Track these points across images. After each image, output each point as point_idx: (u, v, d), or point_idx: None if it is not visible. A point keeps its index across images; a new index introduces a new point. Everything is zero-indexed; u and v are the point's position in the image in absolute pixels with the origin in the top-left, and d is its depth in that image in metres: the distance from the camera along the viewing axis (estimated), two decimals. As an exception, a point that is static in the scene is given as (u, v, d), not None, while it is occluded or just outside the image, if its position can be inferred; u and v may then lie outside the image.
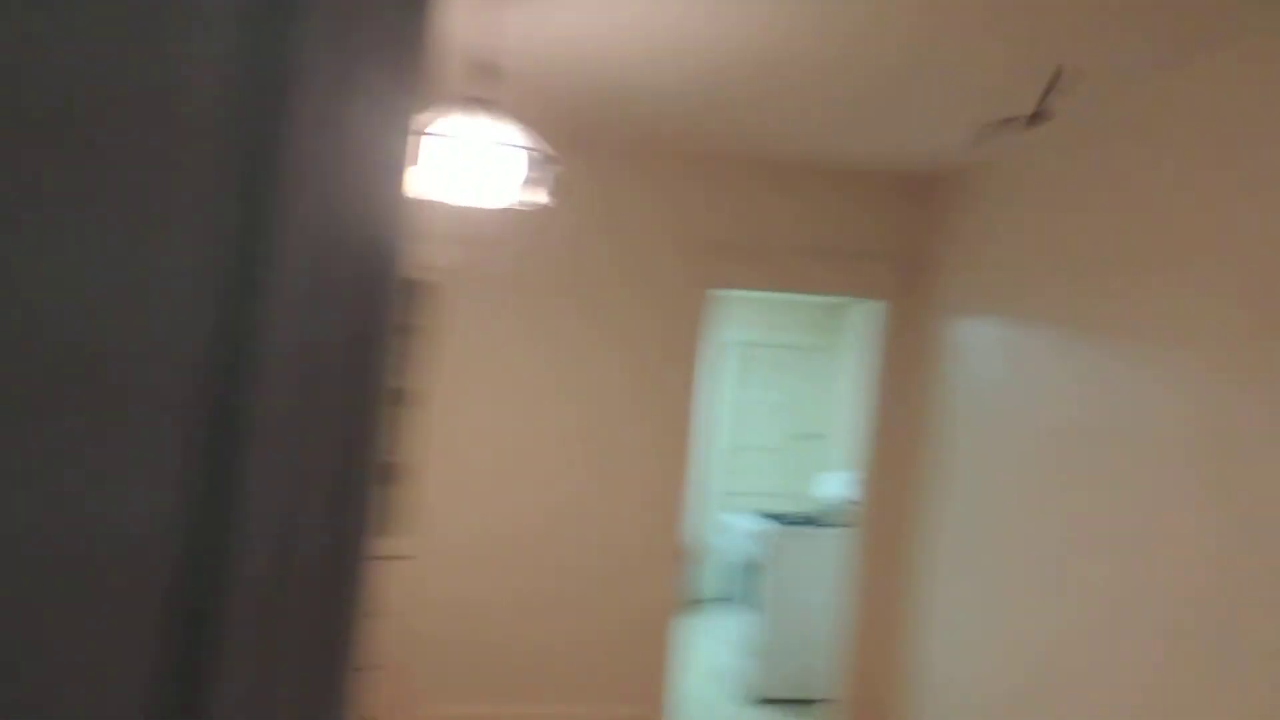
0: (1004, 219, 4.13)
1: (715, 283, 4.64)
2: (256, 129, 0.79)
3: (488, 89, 2.78)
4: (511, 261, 4.49)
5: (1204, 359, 2.89)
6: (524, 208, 2.60)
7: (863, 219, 4.76)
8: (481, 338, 4.48)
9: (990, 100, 3.47)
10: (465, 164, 2.60)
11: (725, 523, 7.09)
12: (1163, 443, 3.02)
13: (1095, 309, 3.45)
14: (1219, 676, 2.69)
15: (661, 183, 4.61)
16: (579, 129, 4.29)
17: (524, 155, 2.55)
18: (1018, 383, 3.89)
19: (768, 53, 3.18)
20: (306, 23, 0.79)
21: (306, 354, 0.78)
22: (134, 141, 0.68)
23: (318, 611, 0.79)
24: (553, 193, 2.58)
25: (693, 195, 4.63)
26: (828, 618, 5.21)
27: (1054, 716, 3.46)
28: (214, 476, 0.71)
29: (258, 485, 0.73)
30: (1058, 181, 3.75)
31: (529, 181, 2.58)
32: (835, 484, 6.26)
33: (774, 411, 7.54)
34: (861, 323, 6.93)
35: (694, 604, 6.98)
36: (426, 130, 2.55)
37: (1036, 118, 3.43)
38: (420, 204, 2.69)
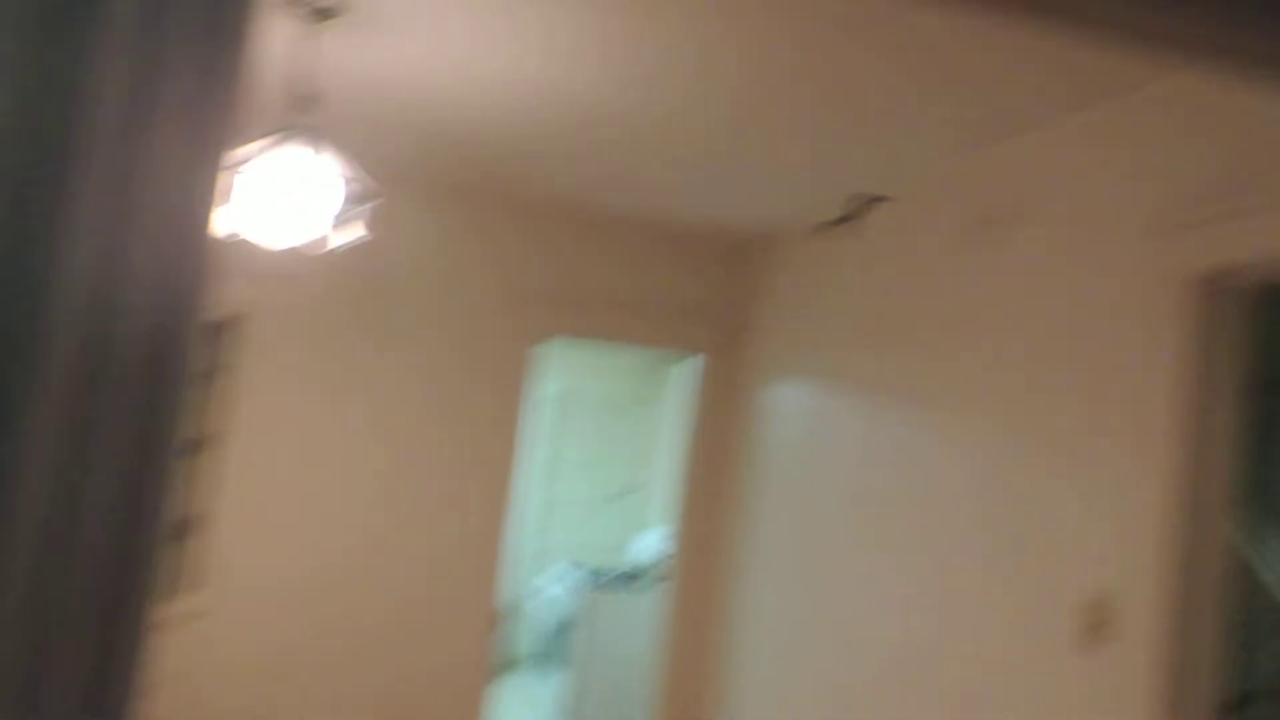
0: (816, 286, 4.28)
1: (539, 333, 4.60)
2: (38, 149, 0.75)
3: (306, 118, 2.68)
4: (323, 300, 4.32)
5: (987, 423, 3.05)
6: (340, 241, 2.49)
7: (686, 277, 4.83)
8: (288, 380, 4.27)
9: (814, 170, 3.60)
10: (279, 193, 2.47)
11: (540, 580, 6.98)
12: (953, 503, 3.15)
13: (894, 376, 3.59)
14: (1011, 726, 2.79)
15: (487, 227, 4.55)
16: (404, 167, 4.20)
17: (342, 186, 2.45)
18: (824, 444, 4.00)
19: (600, 106, 3.20)
20: (103, 41, 0.76)
21: (86, 398, 0.73)
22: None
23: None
24: (371, 227, 2.49)
25: (519, 242, 4.59)
26: (641, 675, 5.17)
27: (858, 770, 3.51)
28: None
29: (25, 533, 0.67)
30: (864, 253, 3.92)
31: (346, 214, 2.48)
32: (653, 540, 6.27)
33: (591, 466, 7.49)
34: (679, 379, 7.03)
35: (508, 664, 6.81)
36: (241, 159, 2.42)
37: (848, 220, 3.82)
38: (228, 236, 2.54)
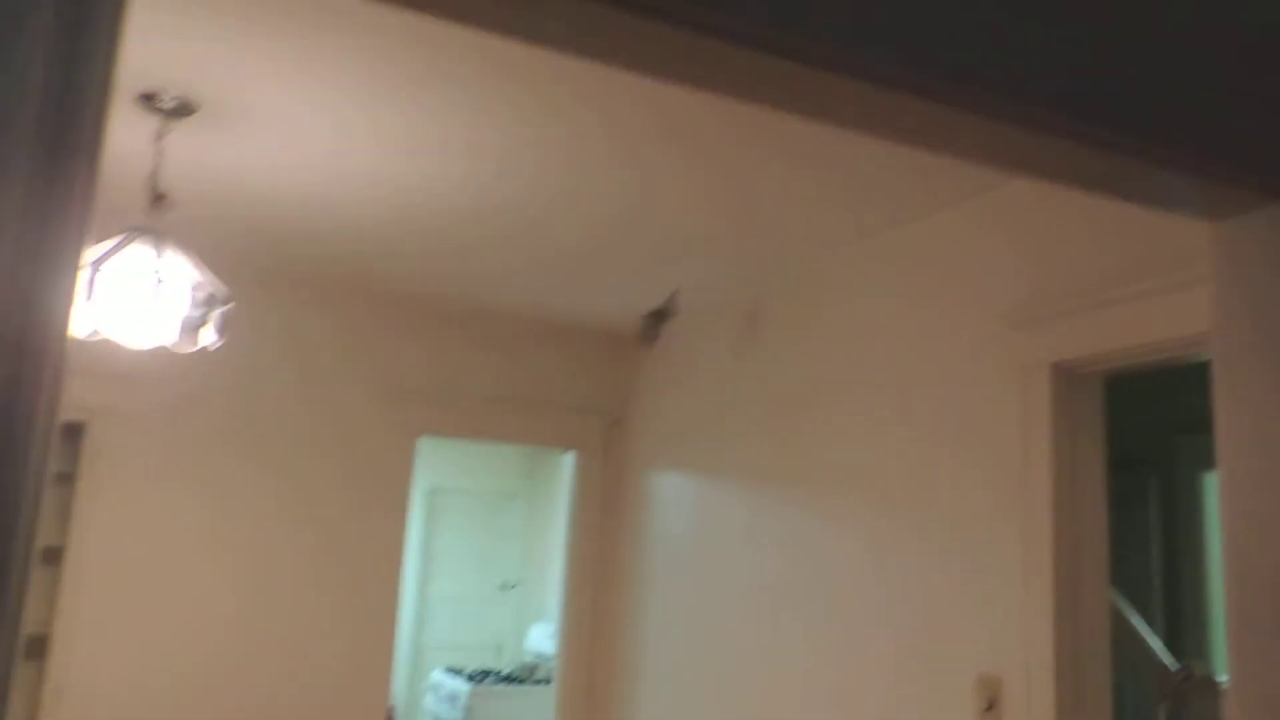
0: (694, 376, 4.29)
1: (414, 430, 4.48)
2: None
3: (158, 218, 2.57)
4: (181, 404, 4.12)
5: (870, 506, 3.07)
6: (189, 348, 2.37)
7: (563, 371, 4.80)
8: (142, 487, 4.04)
9: (689, 259, 3.62)
10: (126, 297, 2.35)
11: (418, 682, 6.71)
12: (845, 587, 3.15)
13: (774, 460, 3.60)
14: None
15: (356, 325, 4.44)
16: (266, 265, 4.07)
17: (190, 291, 2.35)
18: (711, 532, 3.97)
19: (469, 205, 3.17)
20: None
21: None
22: None
23: None
24: (221, 333, 2.38)
25: (390, 339, 4.49)
26: (527, 782, 4.98)
27: None
28: None
29: None
30: (733, 343, 3.95)
31: (196, 320, 2.37)
32: (538, 637, 6.11)
33: (466, 562, 7.28)
34: (561, 472, 6.94)
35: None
36: (88, 259, 2.29)
37: (658, 320, 4.05)
38: (77, 336, 2.40)
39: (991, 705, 2.50)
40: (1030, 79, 1.18)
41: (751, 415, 3.81)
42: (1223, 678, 3.81)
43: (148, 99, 2.50)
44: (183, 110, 2.55)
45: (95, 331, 2.43)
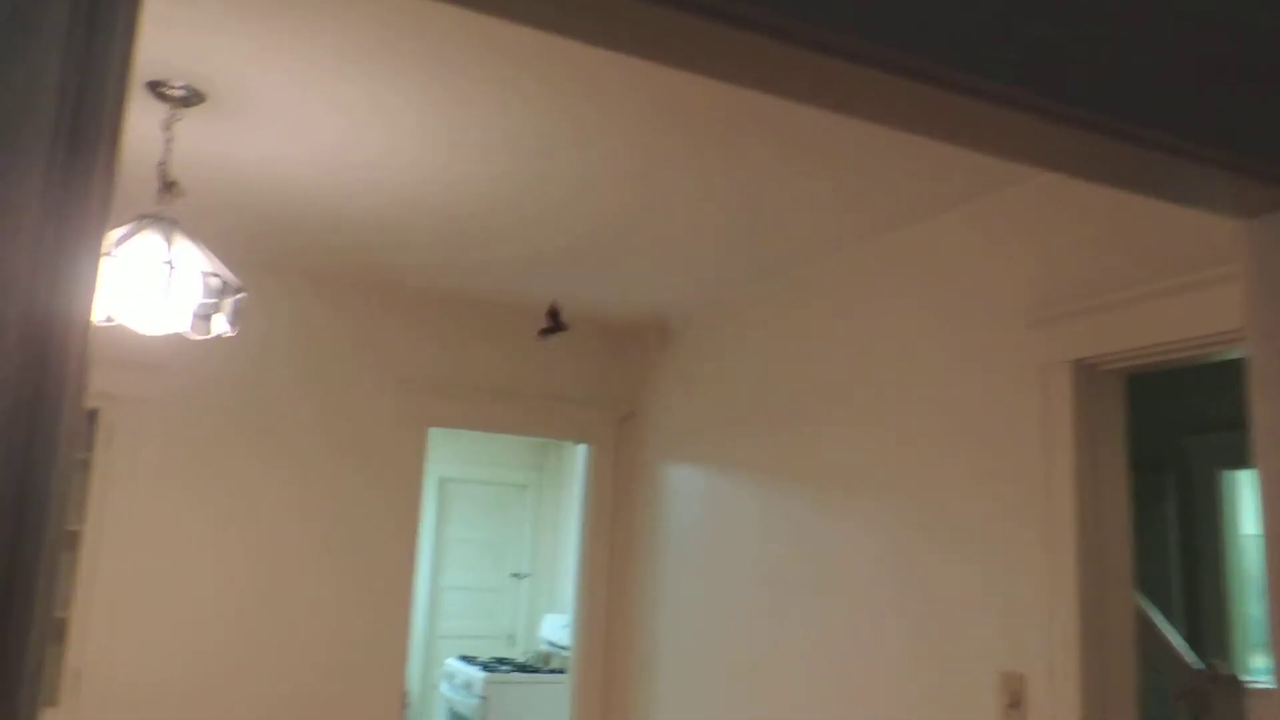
0: (706, 370, 4.25)
1: (425, 421, 4.46)
2: None
3: (167, 207, 2.55)
4: (192, 392, 4.12)
5: (886, 504, 3.03)
6: (201, 336, 2.36)
7: (575, 364, 4.77)
8: (154, 475, 4.04)
9: (702, 256, 3.59)
10: (138, 284, 2.34)
11: (432, 671, 6.72)
12: (860, 583, 3.12)
13: (788, 456, 3.57)
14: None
15: (367, 316, 4.43)
16: (276, 255, 4.06)
17: (202, 280, 2.33)
18: (724, 526, 3.94)
19: (477, 197, 3.14)
20: None
21: None
22: None
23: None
24: (233, 322, 2.36)
25: (401, 331, 4.48)
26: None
27: None
28: None
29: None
30: (754, 336, 3.91)
31: (208, 308, 2.35)
32: (555, 626, 6.11)
33: (481, 550, 7.28)
34: (570, 463, 6.93)
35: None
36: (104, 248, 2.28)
37: (552, 331, 4.07)
38: (94, 323, 2.38)
39: (1015, 703, 2.47)
40: (1059, 73, 1.14)
41: (765, 411, 3.77)
42: (1247, 677, 3.76)
43: (156, 87, 2.48)
44: (191, 98, 2.53)
45: (109, 318, 2.42)
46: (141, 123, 2.72)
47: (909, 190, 2.89)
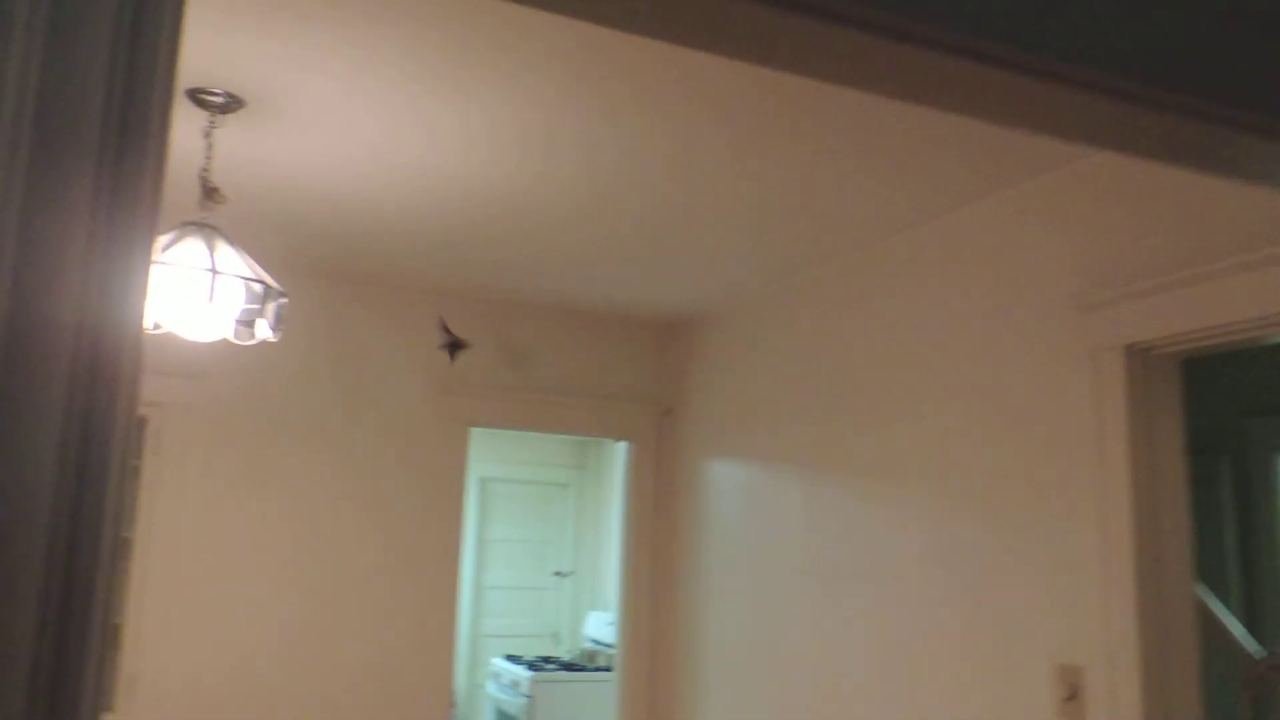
0: (746, 364, 4.22)
1: (466, 420, 4.47)
2: None
3: (209, 213, 2.56)
4: (239, 396, 4.15)
5: (932, 494, 2.99)
6: (245, 341, 2.37)
7: (614, 360, 4.76)
8: (201, 479, 4.07)
9: (741, 248, 3.55)
10: (183, 293, 2.35)
11: (477, 670, 6.75)
12: (907, 575, 3.08)
13: (831, 447, 3.53)
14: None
15: (408, 317, 4.44)
16: (317, 258, 4.08)
17: (245, 287, 2.33)
18: (768, 519, 3.91)
19: (516, 196, 3.13)
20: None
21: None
22: None
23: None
24: (277, 327, 2.37)
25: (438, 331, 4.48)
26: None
27: None
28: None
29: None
30: (795, 327, 3.88)
31: (251, 314, 2.36)
32: (599, 624, 6.10)
33: (523, 549, 7.28)
34: (610, 460, 6.91)
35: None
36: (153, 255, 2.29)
37: (453, 348, 4.09)
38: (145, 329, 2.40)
39: (1073, 695, 2.42)
40: (1120, 48, 1.10)
41: (807, 402, 3.74)
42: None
43: (195, 93, 2.49)
44: (231, 104, 2.53)
45: (155, 325, 2.44)
46: (181, 130, 2.73)
47: (950, 176, 2.84)
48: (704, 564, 4.35)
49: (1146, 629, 2.30)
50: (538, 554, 7.30)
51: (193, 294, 2.34)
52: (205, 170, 2.50)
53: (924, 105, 1.22)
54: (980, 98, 1.15)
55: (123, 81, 0.83)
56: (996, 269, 2.88)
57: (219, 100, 2.50)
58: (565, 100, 2.47)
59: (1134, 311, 2.42)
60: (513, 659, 6.07)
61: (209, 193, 2.45)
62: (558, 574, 7.30)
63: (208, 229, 2.45)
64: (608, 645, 5.67)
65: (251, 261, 2.45)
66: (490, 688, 6.26)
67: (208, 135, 2.56)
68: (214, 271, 2.33)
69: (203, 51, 2.29)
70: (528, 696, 5.20)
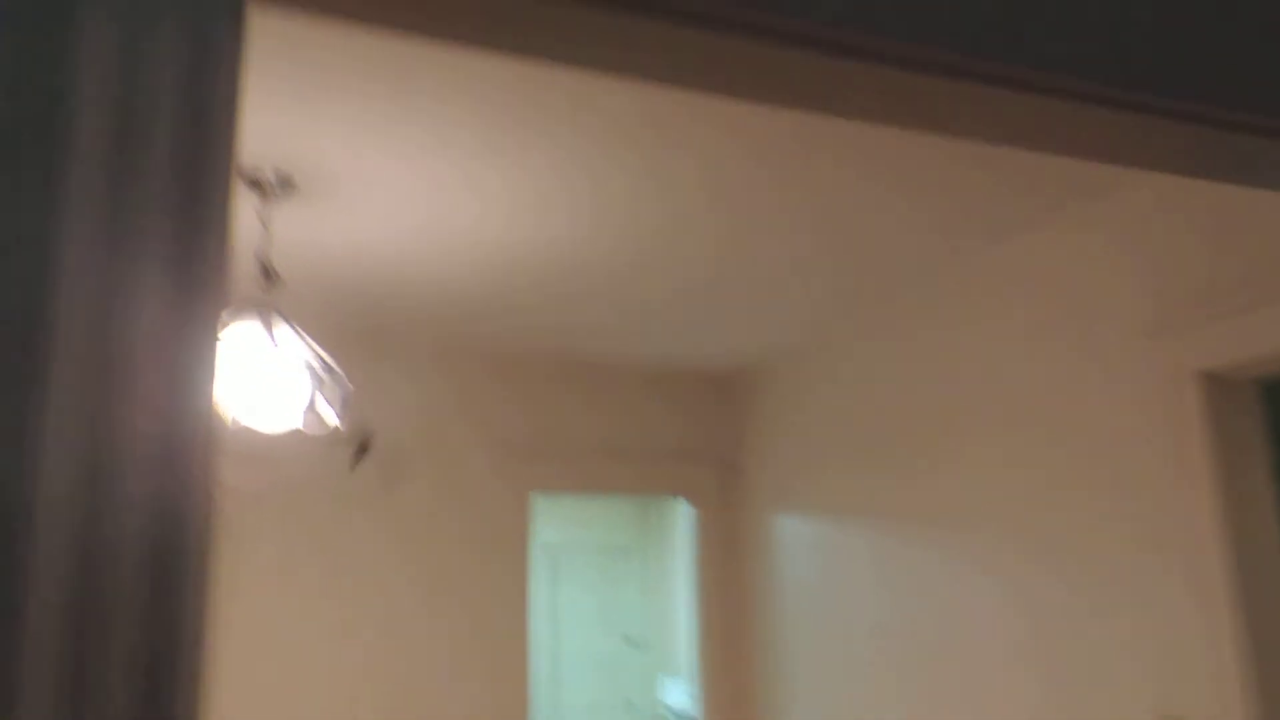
0: (808, 412, 4.16)
1: (527, 486, 4.45)
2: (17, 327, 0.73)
3: (268, 294, 2.60)
4: (303, 476, 4.18)
5: (1006, 540, 2.89)
6: (312, 431, 2.38)
7: (671, 418, 4.72)
8: (271, 556, 4.09)
9: (793, 294, 3.53)
10: (247, 380, 2.37)
11: (555, 743, 6.64)
12: (986, 630, 2.97)
13: (899, 496, 3.45)
14: None
15: (466, 385, 4.45)
16: (374, 332, 4.12)
17: (309, 373, 2.35)
18: (835, 578, 3.82)
19: (568, 258, 3.14)
20: (74, 216, 0.76)
21: (83, 611, 0.70)
22: None
23: None
24: (342, 414, 2.38)
25: (498, 397, 4.49)
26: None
27: None
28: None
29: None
30: (853, 373, 3.82)
31: (316, 402, 2.37)
32: (674, 691, 5.99)
33: (594, 617, 7.19)
34: (673, 522, 6.84)
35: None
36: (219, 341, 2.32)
37: (360, 454, 4.02)
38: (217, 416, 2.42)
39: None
40: (1183, 71, 1.07)
41: (870, 449, 3.67)
42: None
43: (248, 176, 2.54)
44: (284, 186, 2.58)
45: (223, 414, 2.46)
46: (239, 213, 2.78)
47: (1000, 204, 2.80)
48: (779, 624, 4.26)
49: (1255, 673, 2.19)
50: (606, 620, 7.22)
51: (257, 382, 2.36)
52: (262, 252, 2.54)
53: (974, 140, 1.19)
54: (1004, 126, 1.13)
55: (187, 174, 0.84)
56: (1060, 297, 2.81)
57: (271, 182, 2.55)
58: (610, 160, 2.49)
59: (1209, 337, 2.35)
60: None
61: (267, 275, 2.49)
62: (628, 640, 7.19)
63: (267, 311, 2.48)
64: (683, 713, 5.56)
65: (313, 344, 2.47)
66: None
67: (262, 217, 2.60)
68: (277, 359, 2.36)
69: (253, 135, 2.34)
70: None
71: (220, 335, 0.87)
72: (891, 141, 2.41)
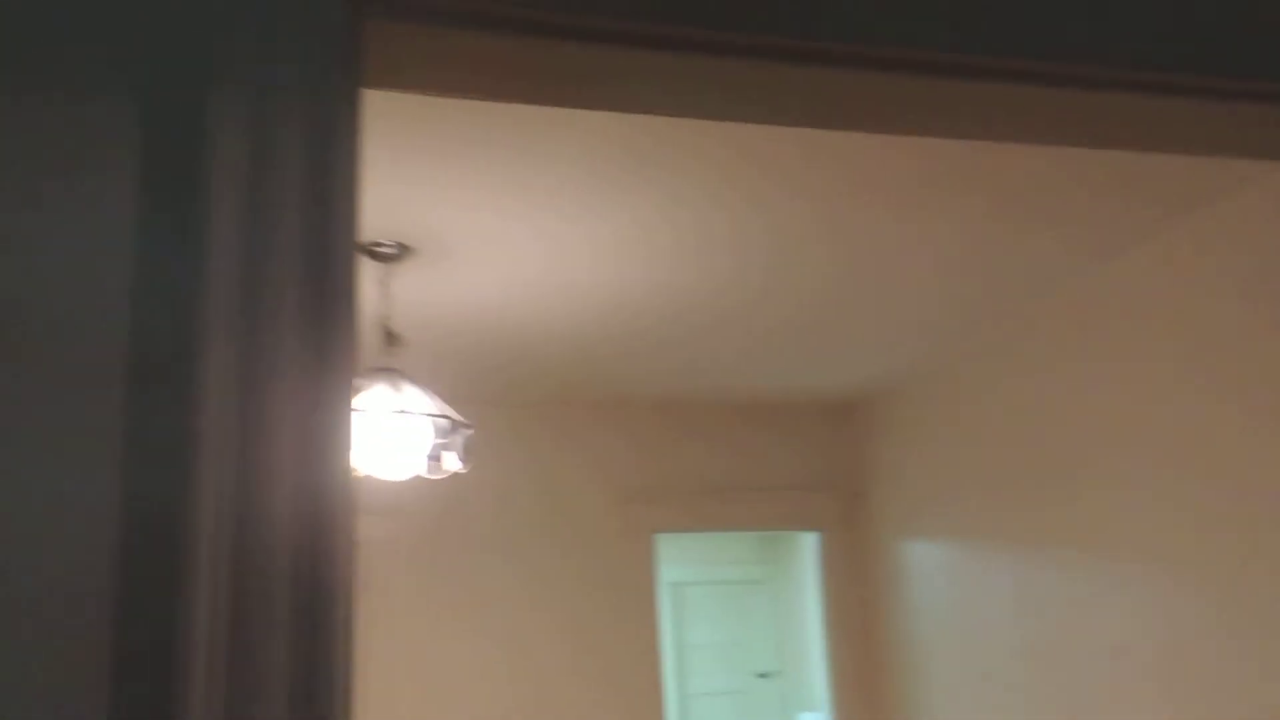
0: (935, 437, 4.07)
1: (650, 528, 4.47)
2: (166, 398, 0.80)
3: (391, 357, 2.69)
4: (434, 528, 4.28)
5: (1159, 566, 2.76)
6: (436, 476, 2.45)
7: (791, 450, 4.68)
8: (408, 609, 4.19)
9: (914, 319, 3.48)
10: (375, 435, 2.46)
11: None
12: (1125, 655, 2.84)
13: (1039, 524, 3.33)
14: None
15: (583, 432, 4.50)
16: (494, 386, 4.21)
17: (432, 424, 2.43)
18: (971, 603, 3.71)
19: (679, 299, 3.17)
20: (214, 292, 0.83)
21: (242, 653, 0.76)
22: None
23: None
24: (465, 459, 2.44)
25: (616, 442, 4.52)
26: None
27: None
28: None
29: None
30: (983, 398, 3.73)
31: (439, 449, 2.44)
32: (807, 726, 5.89)
33: (723, 652, 7.10)
34: (799, 553, 6.73)
35: None
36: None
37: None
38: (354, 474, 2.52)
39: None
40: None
41: (1007, 474, 3.56)
42: None
43: (367, 247, 2.64)
44: (402, 253, 2.67)
45: (354, 469, 2.55)
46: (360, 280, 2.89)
47: (1122, 212, 2.71)
48: (912, 650, 4.16)
49: None
50: (737, 656, 7.14)
51: (385, 436, 2.44)
52: (384, 317, 2.63)
53: (1087, 147, 1.17)
54: (1107, 129, 1.11)
55: (316, 242, 0.89)
56: (1195, 306, 2.69)
57: (390, 251, 2.65)
58: (715, 200, 2.50)
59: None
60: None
61: (390, 339, 2.58)
62: (761, 675, 7.10)
63: (392, 372, 2.57)
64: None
65: (434, 397, 2.54)
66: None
67: (383, 284, 2.70)
68: (402, 412, 2.44)
69: (372, 205, 2.44)
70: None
71: (352, 399, 0.90)
72: (997, 162, 2.37)
